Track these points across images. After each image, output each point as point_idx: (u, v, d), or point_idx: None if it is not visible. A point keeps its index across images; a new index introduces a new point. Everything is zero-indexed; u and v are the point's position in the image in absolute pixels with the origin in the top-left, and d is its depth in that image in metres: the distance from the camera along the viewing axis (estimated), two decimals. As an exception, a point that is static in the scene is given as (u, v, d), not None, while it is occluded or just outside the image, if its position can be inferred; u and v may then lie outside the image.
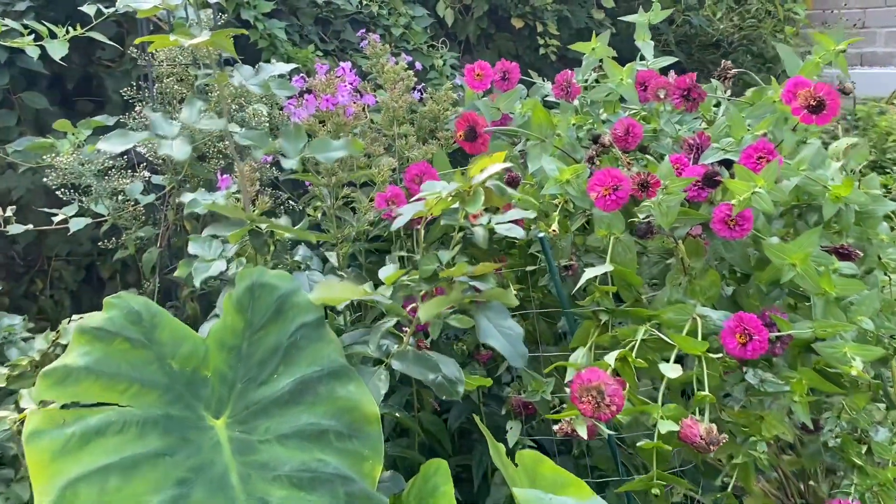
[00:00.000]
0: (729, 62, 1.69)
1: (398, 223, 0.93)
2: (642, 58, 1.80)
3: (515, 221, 1.07)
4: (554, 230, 1.33)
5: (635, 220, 1.41)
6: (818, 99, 1.21)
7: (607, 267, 1.31)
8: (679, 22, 3.58)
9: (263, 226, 1.07)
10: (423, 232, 0.93)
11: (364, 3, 2.71)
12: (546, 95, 1.99)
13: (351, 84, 1.37)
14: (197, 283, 1.10)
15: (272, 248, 1.09)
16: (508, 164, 0.83)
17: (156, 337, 0.96)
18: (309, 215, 1.35)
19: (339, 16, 2.69)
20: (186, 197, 1.16)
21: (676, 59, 1.77)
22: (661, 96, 1.59)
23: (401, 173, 1.65)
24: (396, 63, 1.85)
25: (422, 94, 1.86)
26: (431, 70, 2.82)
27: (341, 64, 1.38)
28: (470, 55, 3.36)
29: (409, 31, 2.83)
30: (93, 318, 0.94)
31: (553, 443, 1.61)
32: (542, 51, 3.26)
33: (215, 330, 0.98)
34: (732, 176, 1.41)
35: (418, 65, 1.91)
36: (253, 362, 0.96)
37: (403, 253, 1.63)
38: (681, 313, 1.27)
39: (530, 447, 1.60)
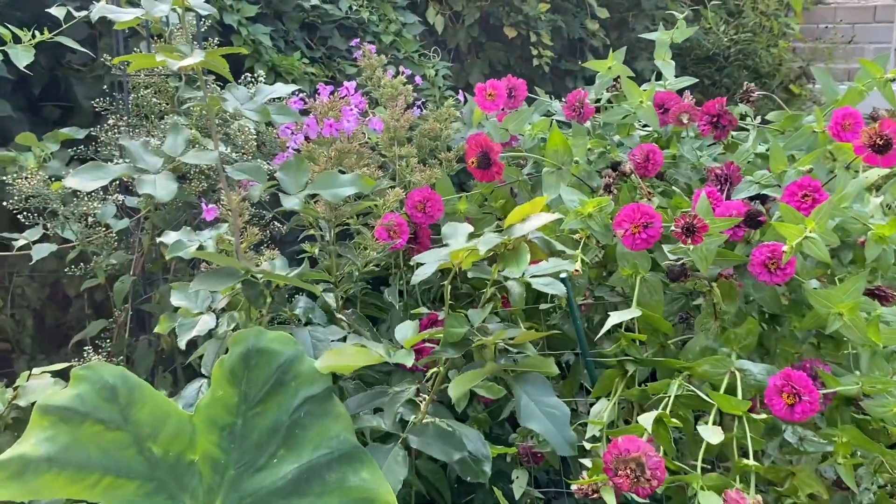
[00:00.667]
0: (752, 84, 1.58)
1: (420, 275, 0.80)
2: (658, 77, 1.69)
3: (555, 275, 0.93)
4: (577, 270, 1.20)
5: (656, 255, 1.29)
6: (885, 138, 1.10)
7: (634, 312, 1.19)
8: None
9: (260, 275, 0.92)
10: (449, 288, 0.80)
11: (353, 8, 2.57)
12: (549, 112, 1.87)
13: (357, 106, 1.23)
14: (182, 344, 0.96)
15: (269, 298, 0.95)
16: (558, 216, 0.71)
17: (133, 416, 0.81)
18: (305, 251, 1.20)
19: (326, 21, 2.54)
20: (169, 237, 1.00)
21: (696, 81, 1.65)
22: (685, 121, 1.47)
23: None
24: (395, 75, 1.72)
25: (422, 109, 1.73)
26: (423, 80, 2.69)
27: (346, 84, 1.24)
28: (460, 64, 3.24)
29: (400, 39, 2.70)
30: (58, 395, 0.78)
31: (564, 495, 1.49)
32: (535, 62, 3.14)
33: (204, 405, 0.83)
34: (768, 212, 1.30)
35: (417, 79, 1.77)
36: (249, 444, 0.81)
37: (403, 285, 1.49)
38: (718, 366, 1.15)
39: (539, 499, 1.47)
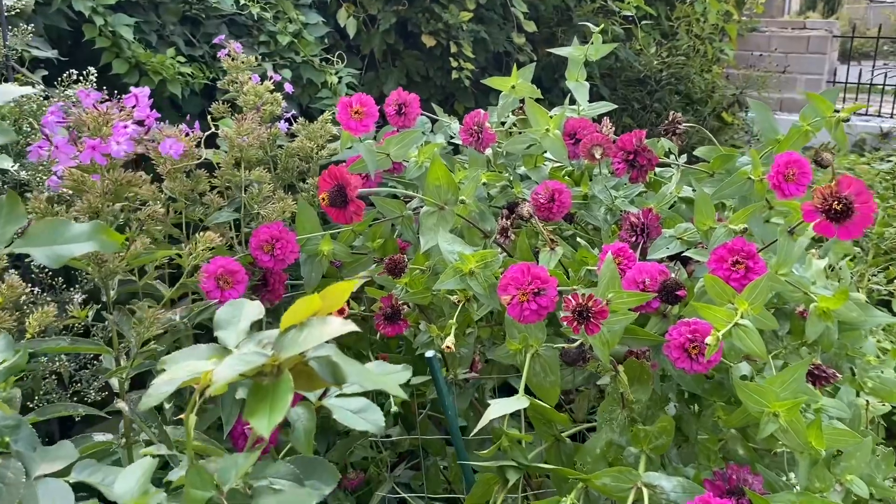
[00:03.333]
0: (679, 114, 1.33)
1: (154, 397, 0.51)
2: (573, 101, 1.44)
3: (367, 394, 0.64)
4: (448, 347, 0.93)
5: (562, 327, 1.03)
6: (844, 202, 0.85)
7: (520, 402, 0.92)
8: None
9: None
10: (192, 421, 0.51)
11: (243, 3, 2.26)
12: (453, 137, 1.60)
13: (146, 121, 0.92)
14: None
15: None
16: (351, 326, 0.44)
17: None
18: (72, 315, 0.89)
19: (212, 16, 2.22)
20: None
21: (614, 107, 1.40)
22: (598, 156, 1.22)
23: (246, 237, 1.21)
24: (269, 80, 1.43)
25: (291, 123, 1.44)
26: (323, 88, 2.39)
27: (133, 90, 0.94)
28: (374, 72, 2.95)
29: (300, 41, 2.40)
30: None
31: None
32: (454, 74, 2.88)
33: None
34: (691, 275, 1.05)
35: (288, 86, 1.48)
36: None
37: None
38: (621, 480, 0.89)
39: None
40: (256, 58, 1.57)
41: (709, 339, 0.82)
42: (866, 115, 4.68)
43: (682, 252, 1.04)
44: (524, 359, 0.98)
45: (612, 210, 1.29)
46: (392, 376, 0.57)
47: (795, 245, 0.92)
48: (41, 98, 1.22)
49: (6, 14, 1.23)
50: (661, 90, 3.35)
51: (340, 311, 1.10)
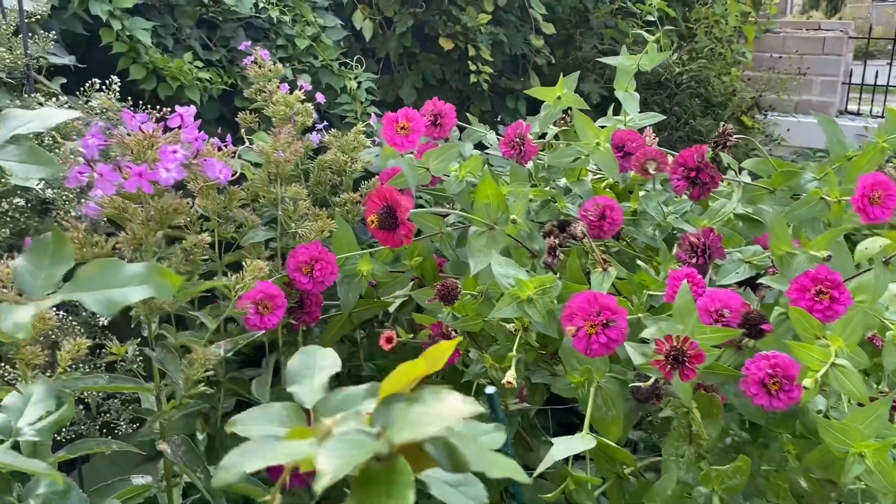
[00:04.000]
0: (730, 126, 1.27)
1: (230, 476, 0.45)
2: (617, 110, 1.38)
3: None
4: (510, 382, 0.87)
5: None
6: None
7: (586, 442, 0.86)
8: (624, 56, 3.21)
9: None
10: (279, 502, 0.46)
11: (260, 6, 2.19)
12: (482, 145, 1.54)
13: (194, 144, 0.85)
14: None
15: None
16: (473, 408, 0.38)
17: None
18: (112, 352, 0.82)
19: (228, 18, 2.16)
20: None
21: (663, 117, 1.34)
22: (652, 171, 1.16)
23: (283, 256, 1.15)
24: (299, 89, 1.36)
25: (323, 134, 1.37)
26: (342, 93, 2.33)
27: (179, 109, 0.87)
28: (390, 75, 2.89)
29: (318, 45, 2.33)
30: None
31: None
32: (473, 78, 2.81)
33: None
34: (761, 300, 0.99)
35: (320, 96, 1.42)
36: None
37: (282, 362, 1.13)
38: (698, 528, 0.82)
39: None
40: (279, 66, 1.50)
41: (807, 383, 0.75)
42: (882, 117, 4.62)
43: (752, 277, 0.98)
44: (586, 392, 0.92)
45: (660, 226, 1.23)
46: (496, 449, 0.50)
47: (884, 274, 0.86)
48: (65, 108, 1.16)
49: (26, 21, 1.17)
50: (681, 93, 3.29)
51: (388, 339, 1.04)
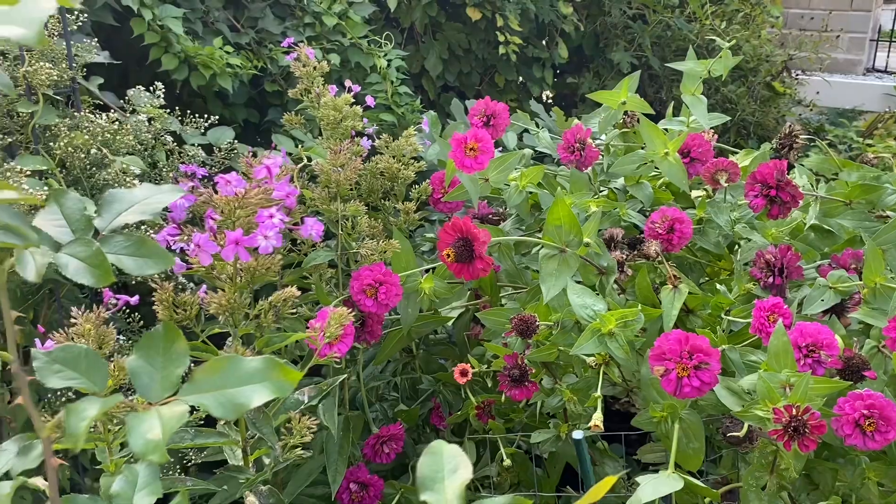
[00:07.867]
0: (797, 126, 1.22)
1: None
2: (676, 111, 1.33)
3: None
4: (597, 425, 0.85)
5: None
6: None
7: (673, 483, 0.84)
8: (653, 23, 3.13)
9: None
10: None
11: (289, -17, 2.12)
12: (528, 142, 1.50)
13: (286, 201, 0.80)
14: None
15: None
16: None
17: None
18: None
19: (256, -1, 2.09)
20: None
21: (728, 119, 1.29)
22: (723, 182, 1.12)
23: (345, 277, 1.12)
24: (338, 92, 1.32)
25: (374, 139, 1.33)
26: (372, 72, 2.27)
27: (265, 159, 0.81)
28: (415, 45, 2.82)
29: (346, 21, 2.26)
30: None
31: None
32: (501, 49, 2.74)
33: None
34: (846, 328, 0.96)
35: (370, 99, 1.37)
36: None
37: (346, 391, 1.13)
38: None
39: None
40: (325, 64, 1.44)
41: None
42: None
43: (842, 305, 0.95)
44: (669, 428, 0.90)
45: (728, 238, 1.20)
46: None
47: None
48: (114, 123, 1.12)
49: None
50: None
51: (463, 372, 1.02)
